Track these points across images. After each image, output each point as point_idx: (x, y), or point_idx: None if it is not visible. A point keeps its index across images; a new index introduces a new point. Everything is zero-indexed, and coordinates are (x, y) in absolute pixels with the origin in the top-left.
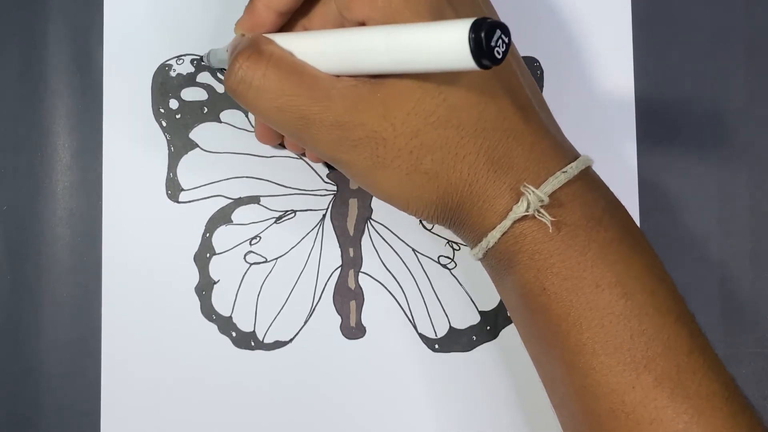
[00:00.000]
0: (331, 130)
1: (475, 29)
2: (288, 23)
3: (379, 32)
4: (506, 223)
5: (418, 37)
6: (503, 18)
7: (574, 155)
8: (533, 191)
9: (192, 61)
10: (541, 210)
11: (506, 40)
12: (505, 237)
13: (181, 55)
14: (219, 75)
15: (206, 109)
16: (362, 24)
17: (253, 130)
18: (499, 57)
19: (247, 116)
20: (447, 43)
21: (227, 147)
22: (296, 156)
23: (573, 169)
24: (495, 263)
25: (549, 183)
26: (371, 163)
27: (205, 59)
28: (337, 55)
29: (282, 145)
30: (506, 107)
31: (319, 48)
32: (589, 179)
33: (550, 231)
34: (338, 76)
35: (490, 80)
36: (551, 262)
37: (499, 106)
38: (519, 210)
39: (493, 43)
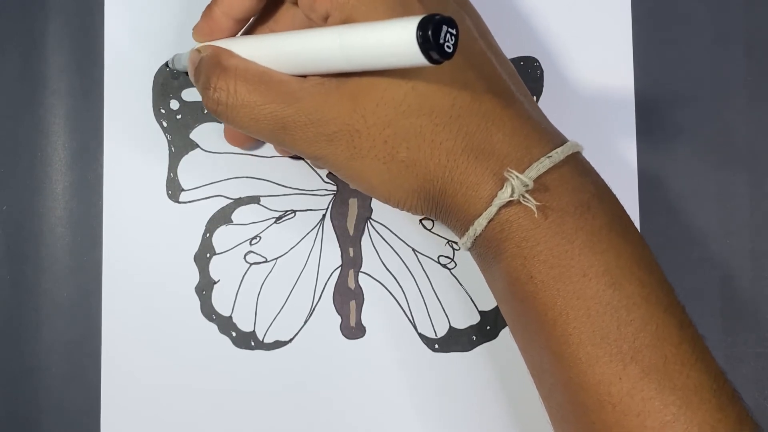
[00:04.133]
0: (306, 128)
1: (421, 27)
2: (254, 27)
3: (333, 33)
4: (492, 209)
5: (369, 37)
6: (504, 18)
7: (561, 141)
8: (517, 176)
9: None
10: (526, 195)
11: (453, 32)
12: (492, 224)
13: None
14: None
15: (207, 110)
16: (326, 19)
17: None
18: (450, 51)
19: None
20: (396, 42)
21: (227, 147)
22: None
23: (558, 153)
24: (483, 252)
25: (533, 168)
26: (349, 155)
27: (170, 64)
28: (298, 58)
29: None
30: (481, 93)
31: (280, 52)
32: (577, 164)
33: (536, 216)
34: (305, 76)
35: (463, 68)
36: (538, 250)
37: (473, 92)
38: (504, 195)
39: (441, 39)
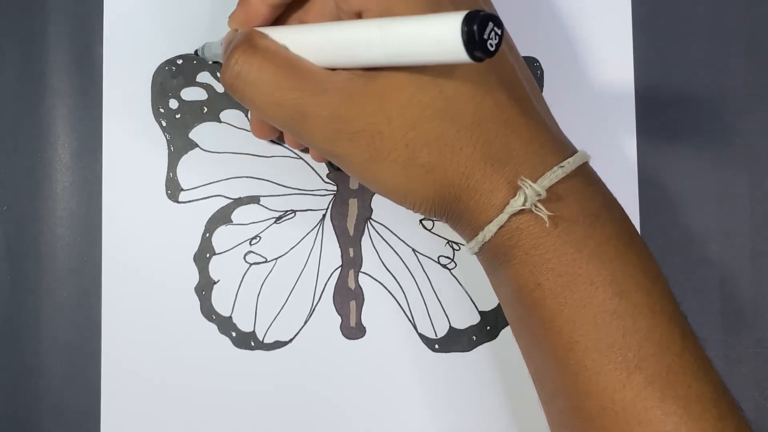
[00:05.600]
0: (327, 123)
1: (467, 22)
2: (283, 17)
3: (373, 25)
4: (503, 217)
5: (412, 30)
6: (505, 18)
7: (571, 150)
8: (530, 185)
9: (193, 61)
10: (539, 204)
11: (499, 32)
12: (502, 231)
13: (182, 55)
14: (216, 74)
15: (206, 109)
16: (359, 15)
17: None
18: (492, 49)
19: (246, 116)
20: (440, 36)
21: (227, 147)
22: (296, 156)
23: (570, 164)
24: (490, 257)
25: (546, 177)
26: (368, 156)
27: (199, 52)
28: (332, 48)
29: (278, 141)
30: (503, 100)
31: (313, 41)
32: (586, 175)
33: (547, 226)
34: (333, 69)
35: (486, 73)
36: (547, 258)
37: (495, 99)
38: (516, 204)
39: (485, 36)
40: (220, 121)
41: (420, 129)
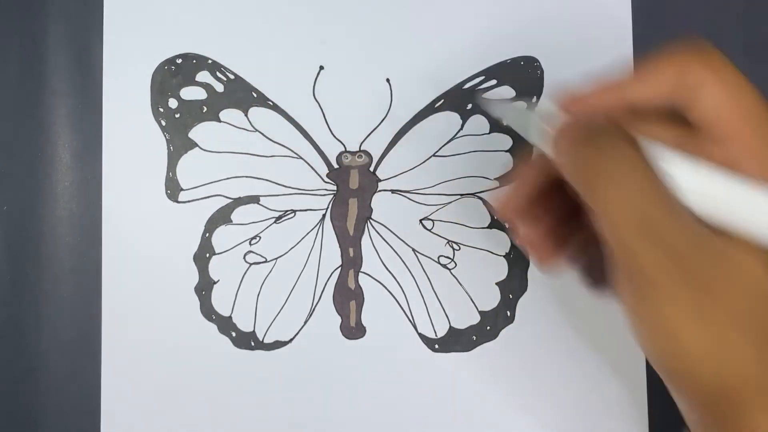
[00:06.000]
0: (668, 253)
1: None
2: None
3: None
4: None
5: None
6: (504, 18)
7: None
8: None
9: (192, 60)
10: None
11: None
12: None
13: (181, 54)
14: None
15: (205, 109)
16: None
17: (252, 129)
18: None
19: (246, 115)
20: None
21: (227, 146)
22: (296, 156)
23: None
24: None
25: None
26: (681, 292)
27: (498, 113)
28: (726, 200)
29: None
30: None
31: (700, 180)
32: None
33: None
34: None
35: None
36: None
37: None
38: None
39: None
40: (220, 121)
41: (749, 309)
